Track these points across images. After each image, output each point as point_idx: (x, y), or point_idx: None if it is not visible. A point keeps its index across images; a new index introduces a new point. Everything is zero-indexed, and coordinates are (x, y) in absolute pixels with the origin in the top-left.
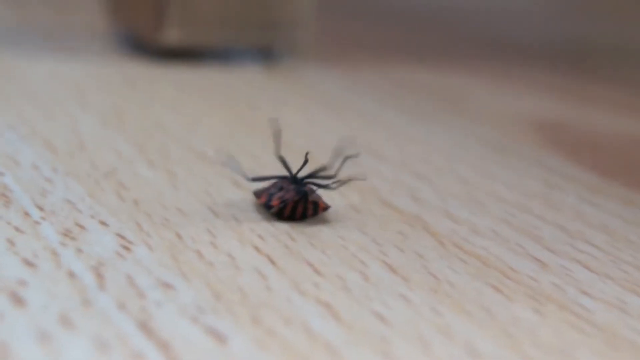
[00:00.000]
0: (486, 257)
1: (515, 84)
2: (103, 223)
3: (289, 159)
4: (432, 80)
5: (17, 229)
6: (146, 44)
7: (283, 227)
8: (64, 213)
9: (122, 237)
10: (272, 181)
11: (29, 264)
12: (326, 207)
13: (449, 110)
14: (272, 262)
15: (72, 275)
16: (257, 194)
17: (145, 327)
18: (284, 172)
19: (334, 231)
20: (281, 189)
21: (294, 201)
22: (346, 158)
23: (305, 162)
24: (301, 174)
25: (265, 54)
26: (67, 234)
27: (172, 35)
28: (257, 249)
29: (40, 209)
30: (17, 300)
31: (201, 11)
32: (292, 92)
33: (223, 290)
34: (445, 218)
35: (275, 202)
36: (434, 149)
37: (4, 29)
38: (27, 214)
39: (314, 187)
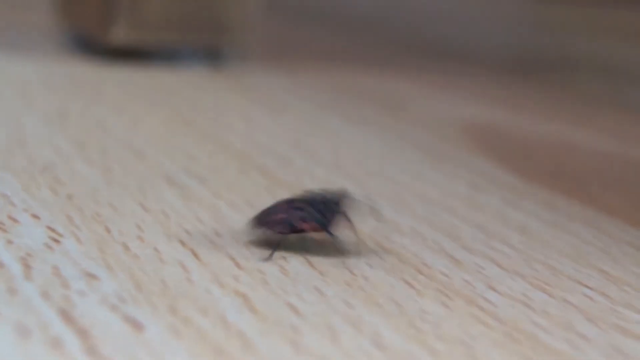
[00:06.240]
0: (403, 254)
1: (454, 91)
2: (35, 216)
3: (225, 161)
4: (373, 86)
5: None
6: (94, 44)
7: (210, 223)
8: None
9: (53, 229)
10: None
11: None
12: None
13: (387, 115)
14: (196, 255)
15: (0, 265)
16: (273, 226)
17: (66, 315)
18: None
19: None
20: (320, 210)
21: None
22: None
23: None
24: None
25: (212, 55)
26: None
27: (120, 35)
28: (182, 243)
29: None
30: None
31: (149, 12)
32: (235, 94)
33: (145, 281)
34: (370, 217)
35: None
36: (368, 152)
37: None
38: None
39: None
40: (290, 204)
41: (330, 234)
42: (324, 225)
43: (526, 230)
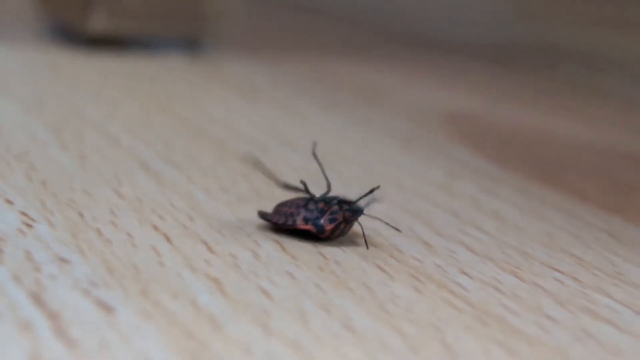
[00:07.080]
0: (376, 238)
1: (433, 79)
2: (8, 201)
3: (201, 148)
4: (352, 74)
5: None
6: (73, 32)
7: (184, 209)
8: None
9: (26, 214)
10: (286, 202)
11: None
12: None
13: (365, 103)
14: (169, 240)
15: None
16: (274, 217)
17: (36, 298)
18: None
19: (233, 213)
20: (322, 211)
21: (347, 222)
22: (370, 191)
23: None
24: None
25: (191, 44)
26: None
27: (99, 24)
28: (155, 228)
29: None
30: None
31: (127, 0)
32: (213, 82)
33: (117, 265)
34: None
35: (329, 226)
36: (345, 139)
37: None
38: None
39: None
40: (306, 202)
41: (320, 239)
42: (320, 232)
43: (500, 217)
